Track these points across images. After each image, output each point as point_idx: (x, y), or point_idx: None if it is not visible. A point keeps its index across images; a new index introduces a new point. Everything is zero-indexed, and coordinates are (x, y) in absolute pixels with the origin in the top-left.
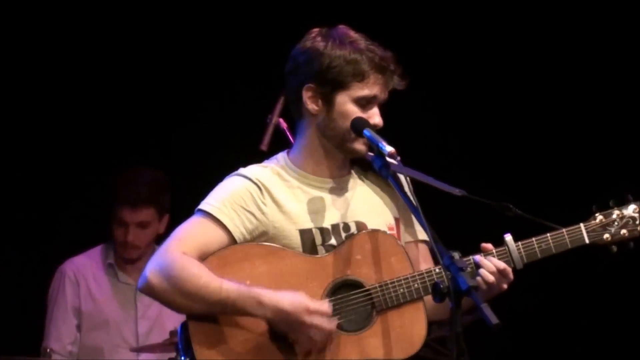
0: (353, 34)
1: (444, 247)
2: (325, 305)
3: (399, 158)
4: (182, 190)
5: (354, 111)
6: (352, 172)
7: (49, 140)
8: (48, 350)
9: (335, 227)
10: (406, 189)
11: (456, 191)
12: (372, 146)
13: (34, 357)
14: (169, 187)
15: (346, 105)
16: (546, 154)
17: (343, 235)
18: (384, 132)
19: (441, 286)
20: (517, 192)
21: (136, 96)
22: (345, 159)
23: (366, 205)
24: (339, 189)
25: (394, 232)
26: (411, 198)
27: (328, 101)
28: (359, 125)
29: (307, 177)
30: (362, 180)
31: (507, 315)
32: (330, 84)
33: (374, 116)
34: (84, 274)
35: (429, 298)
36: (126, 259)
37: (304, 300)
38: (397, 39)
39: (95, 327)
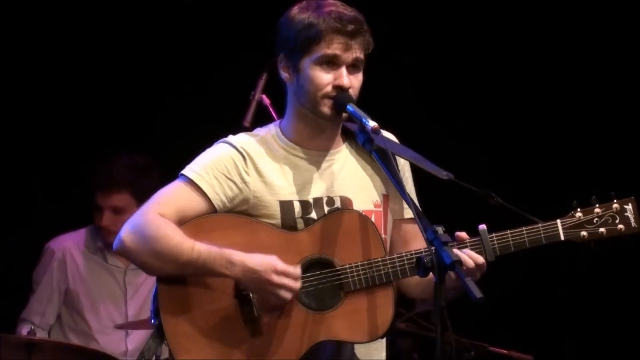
0: (327, 1)
1: (427, 222)
2: (293, 267)
3: (382, 133)
4: (166, 168)
5: (317, 74)
6: (344, 146)
7: (35, 126)
8: (32, 327)
9: (317, 200)
10: (393, 163)
11: (443, 174)
12: (356, 121)
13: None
14: (150, 172)
15: (310, 69)
16: (543, 147)
17: (326, 209)
18: (381, 116)
19: (425, 260)
20: (512, 181)
21: (118, 76)
22: (333, 131)
23: (353, 180)
24: (327, 163)
25: (380, 209)
26: (395, 173)
27: (295, 68)
28: (342, 101)
29: (294, 149)
30: (354, 156)
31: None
32: (293, 51)
33: (341, 77)
34: (73, 253)
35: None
36: (107, 243)
37: (273, 261)
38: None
39: (84, 309)
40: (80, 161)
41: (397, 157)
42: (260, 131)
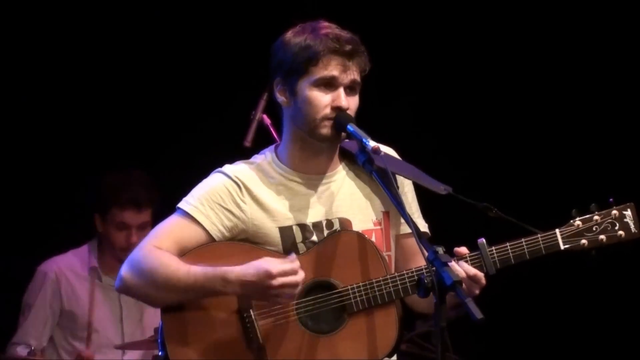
0: (321, 24)
1: (428, 242)
2: (288, 264)
3: (382, 153)
4: (166, 188)
5: (317, 96)
6: (341, 166)
7: (31, 142)
8: (33, 347)
9: (317, 224)
10: (394, 182)
11: (441, 188)
12: (356, 141)
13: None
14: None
15: (307, 91)
16: (539, 154)
17: (325, 232)
18: (376, 130)
19: (425, 281)
20: (511, 192)
21: (116, 96)
22: (331, 153)
23: (352, 201)
24: (325, 185)
25: (380, 227)
26: (395, 192)
27: (293, 91)
28: (342, 121)
29: (291, 174)
30: (351, 175)
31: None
32: (290, 73)
33: (339, 98)
34: (66, 274)
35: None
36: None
37: (266, 266)
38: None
39: (79, 329)
40: (68, 185)
41: (397, 175)
42: (256, 158)
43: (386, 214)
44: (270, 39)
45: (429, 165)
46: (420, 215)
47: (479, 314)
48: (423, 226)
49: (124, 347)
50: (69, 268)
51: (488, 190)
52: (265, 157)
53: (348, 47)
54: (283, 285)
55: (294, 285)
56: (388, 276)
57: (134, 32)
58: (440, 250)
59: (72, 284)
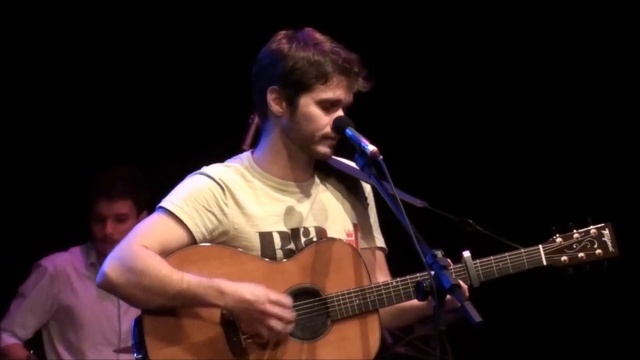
0: (318, 36)
1: (426, 245)
2: (285, 297)
3: (381, 157)
4: (164, 190)
5: (318, 114)
6: (315, 176)
7: (28, 140)
8: (32, 351)
9: (295, 231)
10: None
11: (417, 202)
12: (355, 145)
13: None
14: (146, 184)
15: (309, 107)
16: (520, 171)
17: (303, 239)
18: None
19: (424, 284)
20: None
21: (117, 96)
22: (308, 163)
23: (326, 210)
24: (301, 193)
25: (352, 238)
26: (396, 200)
27: (292, 103)
28: (341, 124)
29: (270, 180)
30: (324, 186)
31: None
32: (294, 86)
33: None
34: (67, 270)
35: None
36: (107, 255)
37: (264, 290)
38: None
39: (77, 325)
40: (68, 182)
41: (363, 184)
42: (232, 162)
43: (356, 226)
44: (265, 37)
45: (412, 178)
46: (380, 231)
47: (477, 318)
48: (381, 241)
49: (121, 350)
50: (69, 264)
51: (470, 199)
52: (242, 162)
53: (356, 69)
54: (274, 315)
55: (284, 319)
56: (373, 285)
57: (130, 32)
58: (439, 253)
59: (71, 280)
